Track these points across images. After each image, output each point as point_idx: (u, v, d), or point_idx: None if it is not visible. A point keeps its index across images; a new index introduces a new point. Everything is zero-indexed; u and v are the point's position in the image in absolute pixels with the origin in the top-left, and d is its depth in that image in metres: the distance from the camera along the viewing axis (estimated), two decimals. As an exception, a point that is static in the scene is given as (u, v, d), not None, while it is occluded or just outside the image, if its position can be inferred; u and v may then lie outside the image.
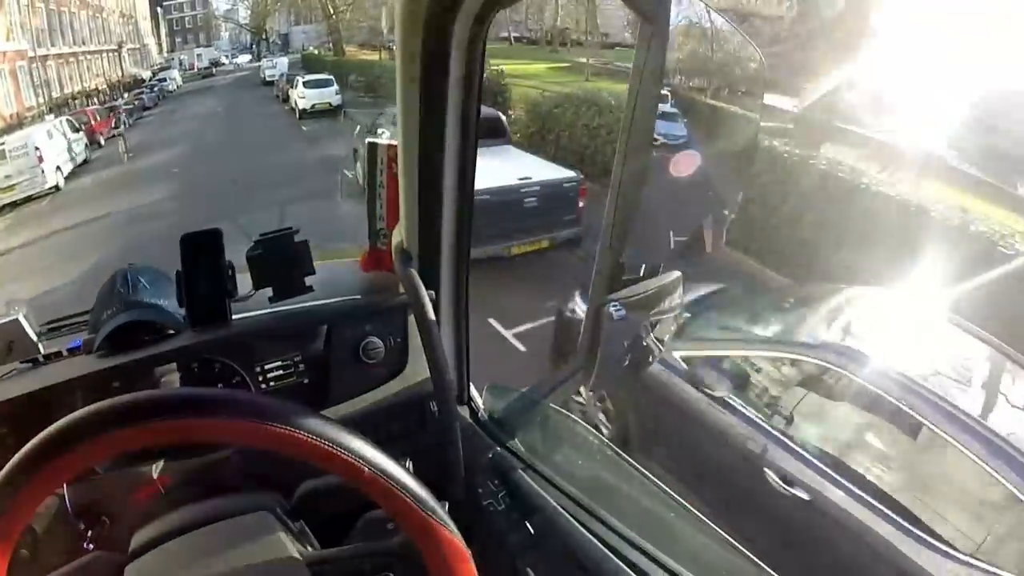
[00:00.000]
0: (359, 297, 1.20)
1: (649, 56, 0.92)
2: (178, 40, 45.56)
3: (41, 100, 21.42)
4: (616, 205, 1.00)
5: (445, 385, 0.98)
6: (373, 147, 1.11)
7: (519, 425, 1.15)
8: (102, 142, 19.11)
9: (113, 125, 21.33)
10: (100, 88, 29.34)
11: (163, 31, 44.80)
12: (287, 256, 1.06)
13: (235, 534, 0.71)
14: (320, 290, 1.12)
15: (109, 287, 1.12)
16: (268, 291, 1.10)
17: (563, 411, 1.20)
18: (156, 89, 30.45)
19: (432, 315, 0.97)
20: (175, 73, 36.72)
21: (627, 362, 1.22)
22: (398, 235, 1.10)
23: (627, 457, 1.14)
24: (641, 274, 1.09)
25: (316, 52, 38.90)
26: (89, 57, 29.12)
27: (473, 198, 1.05)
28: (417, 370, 1.18)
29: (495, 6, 0.84)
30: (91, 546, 0.90)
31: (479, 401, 1.20)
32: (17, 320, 1.09)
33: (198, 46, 46.56)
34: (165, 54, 43.15)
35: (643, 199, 0.97)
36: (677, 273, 1.15)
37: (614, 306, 1.04)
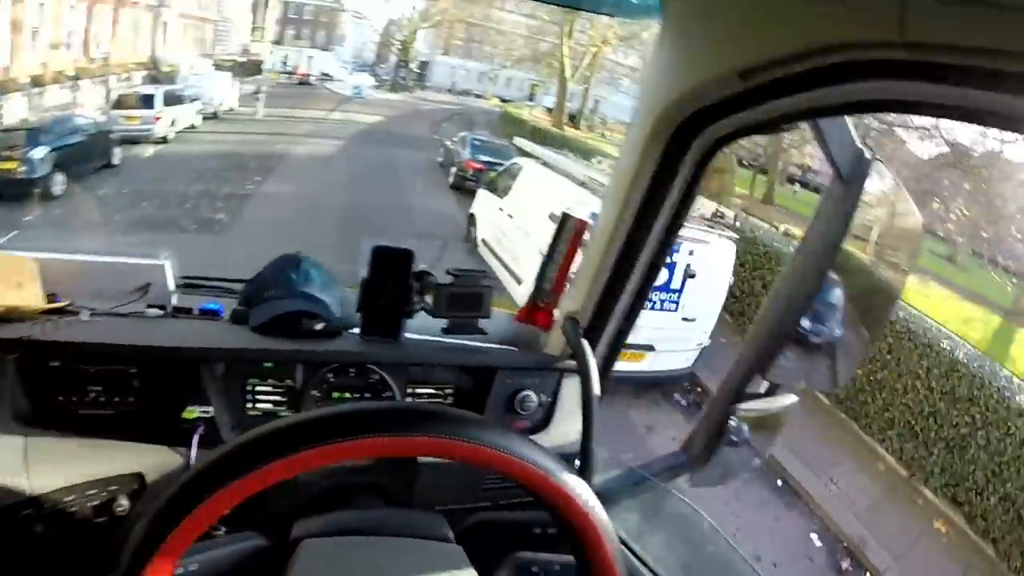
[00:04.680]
0: (515, 349, 1.25)
1: (834, 213, 0.96)
2: (290, 32, 33.92)
3: None
4: (768, 329, 1.04)
5: (590, 456, 1.00)
6: (566, 218, 1.14)
7: (623, 501, 1.17)
8: None
9: None
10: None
11: (270, 15, 32.30)
12: (473, 295, 1.16)
13: (423, 558, 0.76)
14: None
15: (277, 268, 1.16)
16: (437, 317, 1.17)
17: (674, 493, 1.19)
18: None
19: (598, 388, 1.00)
20: (225, 85, 17.96)
21: (729, 469, 1.16)
22: (569, 303, 1.15)
23: (735, 546, 1.16)
24: (761, 390, 1.12)
25: (515, 112, 24.39)
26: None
27: (648, 295, 1.10)
28: (558, 432, 1.24)
29: (742, 135, 0.87)
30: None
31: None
32: (163, 266, 1.16)
33: (313, 46, 34.86)
34: (270, 42, 30.96)
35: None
36: (795, 398, 1.16)
37: (735, 414, 1.07)
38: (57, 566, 0.99)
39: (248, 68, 27.11)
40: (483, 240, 7.71)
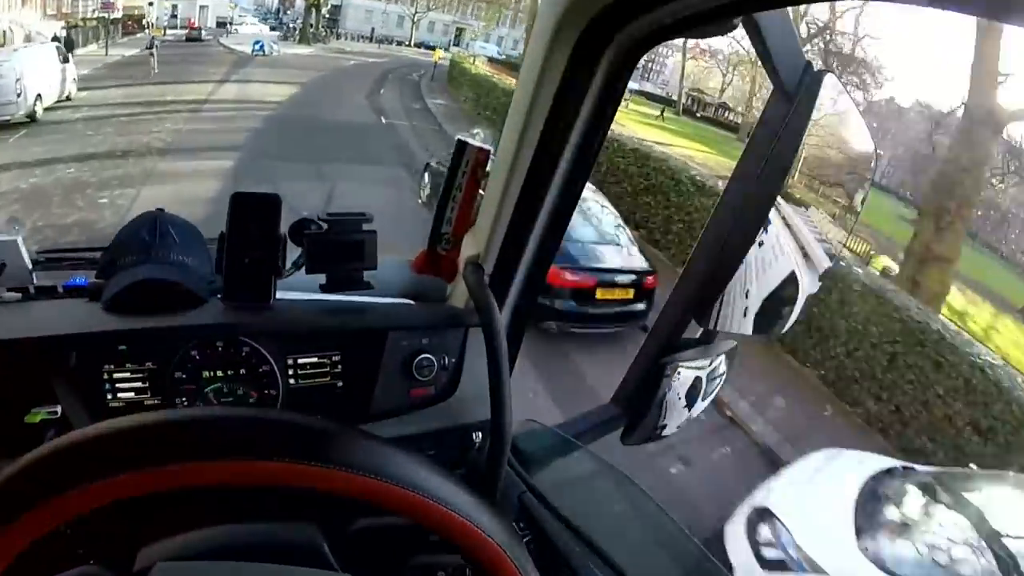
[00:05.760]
0: (412, 303, 1.12)
1: (775, 134, 0.87)
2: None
3: None
4: (704, 268, 0.96)
5: (504, 422, 0.88)
6: (462, 145, 0.96)
7: (551, 466, 1.11)
8: None
9: None
10: None
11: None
12: (352, 244, 0.97)
13: None
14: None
15: (132, 230, 1.01)
16: (316, 275, 0.99)
17: (601, 457, 1.13)
18: None
19: (505, 345, 0.88)
20: (47, 64, 11.41)
21: (664, 422, 1.08)
22: (470, 246, 1.02)
23: (666, 511, 1.10)
24: (697, 336, 1.06)
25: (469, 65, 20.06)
26: None
27: (563, 234, 1.00)
28: (468, 398, 1.11)
29: (658, 39, 0.77)
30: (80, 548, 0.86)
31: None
32: (15, 242, 1.02)
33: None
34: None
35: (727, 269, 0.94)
36: (734, 342, 1.11)
37: (671, 365, 1.02)
38: None
39: (126, 26, 23.46)
40: None
